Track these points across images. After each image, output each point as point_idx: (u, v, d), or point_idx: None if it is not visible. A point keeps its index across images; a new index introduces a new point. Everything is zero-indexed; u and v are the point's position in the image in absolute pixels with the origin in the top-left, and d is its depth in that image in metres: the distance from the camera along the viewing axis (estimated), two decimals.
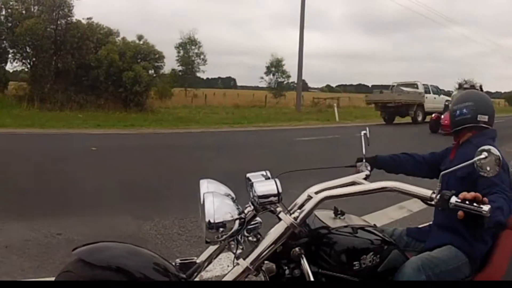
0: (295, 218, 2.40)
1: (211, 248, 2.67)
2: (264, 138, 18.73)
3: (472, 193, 2.13)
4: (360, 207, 4.86)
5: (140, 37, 28.49)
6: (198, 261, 2.63)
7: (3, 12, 25.75)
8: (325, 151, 14.89)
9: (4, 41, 25.81)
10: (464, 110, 3.08)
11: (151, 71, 27.52)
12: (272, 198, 2.39)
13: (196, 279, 2.65)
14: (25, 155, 10.38)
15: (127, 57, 25.86)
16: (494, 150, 2.19)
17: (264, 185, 2.43)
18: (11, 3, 25.84)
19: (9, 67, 27.71)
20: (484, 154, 2.20)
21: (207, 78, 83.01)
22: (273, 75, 56.92)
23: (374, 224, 2.82)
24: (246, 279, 2.42)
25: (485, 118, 3.04)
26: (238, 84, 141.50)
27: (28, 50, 25.24)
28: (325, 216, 2.68)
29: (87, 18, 27.00)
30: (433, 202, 2.27)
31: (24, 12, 25.66)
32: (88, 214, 6.69)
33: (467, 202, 2.12)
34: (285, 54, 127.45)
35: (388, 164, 3.38)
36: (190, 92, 51.26)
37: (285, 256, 2.46)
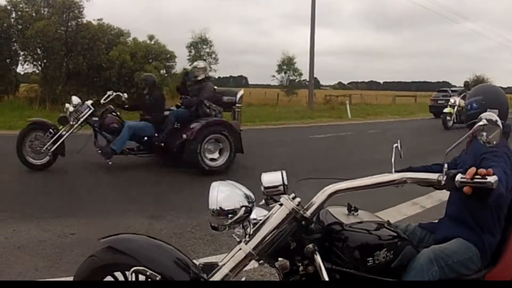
0: (306, 209, 2.41)
1: (234, 251, 2.66)
2: (278, 136, 18.64)
3: (480, 169, 2.15)
4: (373, 204, 4.86)
5: (151, 37, 28.57)
6: (220, 263, 2.64)
7: (13, 15, 25.79)
8: (339, 148, 14.88)
9: (15, 44, 25.81)
10: (474, 105, 3.10)
11: (163, 71, 27.53)
12: (279, 188, 2.47)
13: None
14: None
15: (139, 58, 25.88)
16: (494, 116, 2.21)
17: (270, 175, 2.52)
18: (21, 5, 25.87)
19: (20, 69, 27.64)
20: (484, 121, 2.22)
21: (219, 77, 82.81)
22: (285, 73, 56.77)
23: (388, 220, 2.81)
24: (257, 274, 2.44)
25: (495, 112, 2.96)
26: (250, 82, 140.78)
27: (39, 52, 25.25)
28: (339, 213, 2.68)
29: (98, 19, 26.97)
30: (441, 184, 2.27)
31: (34, 14, 25.66)
32: (101, 215, 6.71)
33: (475, 178, 2.13)
34: (297, 52, 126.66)
35: None
36: None
37: (299, 252, 2.46)
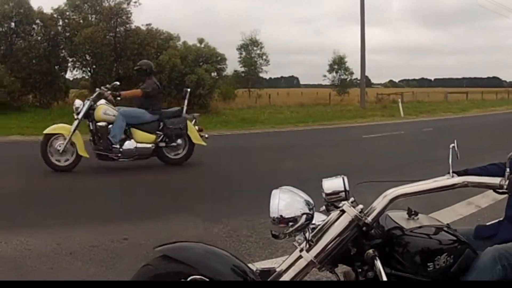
0: (366, 215, 2.39)
1: (292, 257, 2.64)
2: (331, 136, 18.67)
3: None
4: (428, 204, 4.79)
5: (201, 41, 28.58)
6: (278, 269, 2.63)
7: (60, 23, 26.38)
8: (394, 148, 14.71)
9: (63, 51, 26.39)
10: None
11: (214, 74, 27.57)
12: (340, 195, 2.45)
13: None
14: (88, 161, 10.41)
15: (189, 61, 25.91)
16: None
17: (331, 182, 2.50)
18: (67, 13, 26.47)
19: (69, 75, 28.26)
20: None
21: (270, 78, 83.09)
22: (336, 72, 56.62)
23: (448, 224, 2.76)
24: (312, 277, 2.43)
25: None
26: (301, 82, 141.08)
27: (87, 58, 25.79)
28: (399, 217, 2.63)
29: (147, 24, 27.37)
30: (503, 188, 2.23)
31: (81, 21, 26.20)
32: (155, 219, 6.64)
33: None
34: (348, 51, 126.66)
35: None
36: (254, 92, 51.32)
37: (359, 258, 2.44)
